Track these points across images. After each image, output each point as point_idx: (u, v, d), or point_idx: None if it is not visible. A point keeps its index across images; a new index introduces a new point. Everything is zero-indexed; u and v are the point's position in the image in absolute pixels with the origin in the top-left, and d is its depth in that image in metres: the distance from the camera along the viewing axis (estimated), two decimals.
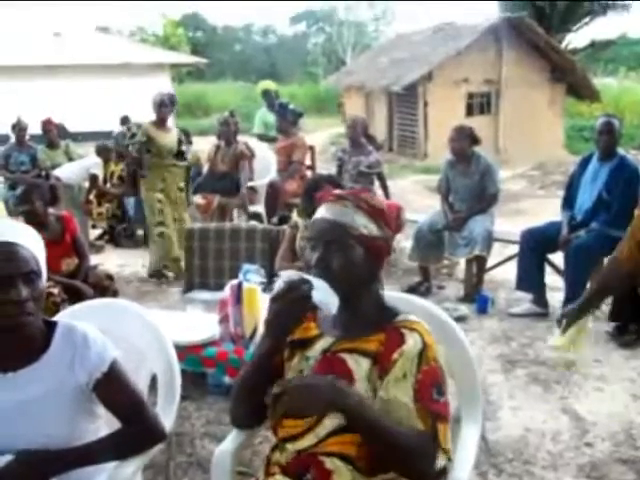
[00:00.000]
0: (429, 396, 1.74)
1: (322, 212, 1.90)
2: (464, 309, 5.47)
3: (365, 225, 1.85)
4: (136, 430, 1.99)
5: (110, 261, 7.13)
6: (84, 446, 1.95)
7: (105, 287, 4.80)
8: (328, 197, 1.93)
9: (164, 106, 6.49)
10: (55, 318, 2.18)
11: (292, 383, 1.69)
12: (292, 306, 1.78)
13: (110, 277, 4.99)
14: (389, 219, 1.92)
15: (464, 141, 5.77)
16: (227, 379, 3.27)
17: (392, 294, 2.08)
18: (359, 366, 1.80)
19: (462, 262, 6.28)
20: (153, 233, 6.56)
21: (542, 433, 3.65)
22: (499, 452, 3.47)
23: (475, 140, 5.83)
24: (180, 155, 6.59)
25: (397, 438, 1.68)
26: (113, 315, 2.41)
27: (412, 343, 1.78)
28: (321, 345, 1.89)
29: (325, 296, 1.76)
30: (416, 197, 11.31)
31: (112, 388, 1.97)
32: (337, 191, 1.99)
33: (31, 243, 1.93)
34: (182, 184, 6.63)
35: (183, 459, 3.44)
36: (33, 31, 19.77)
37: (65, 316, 2.46)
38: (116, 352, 2.00)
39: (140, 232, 8.40)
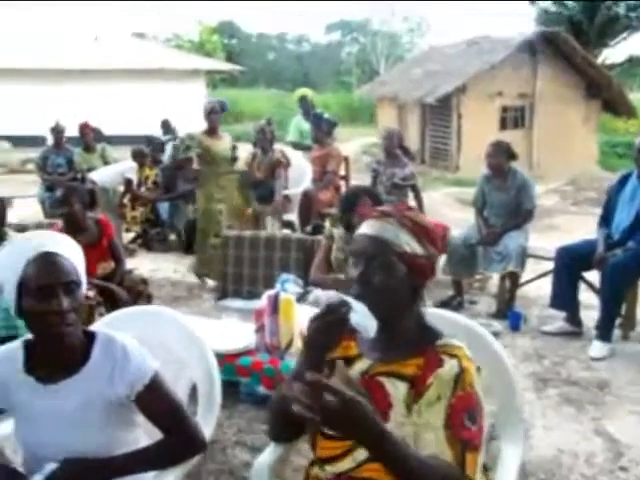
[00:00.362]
0: (460, 422, 1.70)
1: (365, 228, 1.88)
2: (496, 325, 5.42)
3: (408, 243, 1.83)
4: (177, 440, 2.00)
5: (142, 265, 7.17)
6: (126, 455, 1.96)
7: (139, 291, 4.84)
8: (371, 213, 1.92)
9: (214, 113, 6.52)
10: (94, 326, 2.19)
11: (332, 404, 1.63)
12: (330, 328, 1.76)
13: (145, 281, 5.03)
14: (434, 238, 1.89)
15: (501, 156, 5.75)
16: (262, 389, 3.27)
17: (435, 311, 2.07)
18: (396, 390, 1.79)
19: (495, 277, 6.24)
20: (208, 242, 6.56)
21: (575, 454, 3.61)
22: (531, 472, 3.43)
23: (512, 155, 5.81)
24: (234, 161, 6.59)
25: (424, 473, 1.62)
26: (152, 323, 2.42)
27: (448, 367, 1.76)
28: (360, 367, 1.88)
29: (363, 319, 1.74)
30: (448, 210, 11.28)
31: (153, 400, 1.97)
32: (381, 207, 1.98)
33: (71, 253, 1.95)
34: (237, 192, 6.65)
35: (215, 467, 3.44)
36: (73, 35, 20.08)
37: (104, 324, 2.47)
38: (156, 363, 2.01)
39: (172, 237, 8.47)
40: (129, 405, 1.99)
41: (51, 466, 1.86)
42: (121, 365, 1.95)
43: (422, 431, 1.71)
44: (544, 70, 16.54)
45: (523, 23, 62.62)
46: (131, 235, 8.56)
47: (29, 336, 2.02)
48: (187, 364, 2.34)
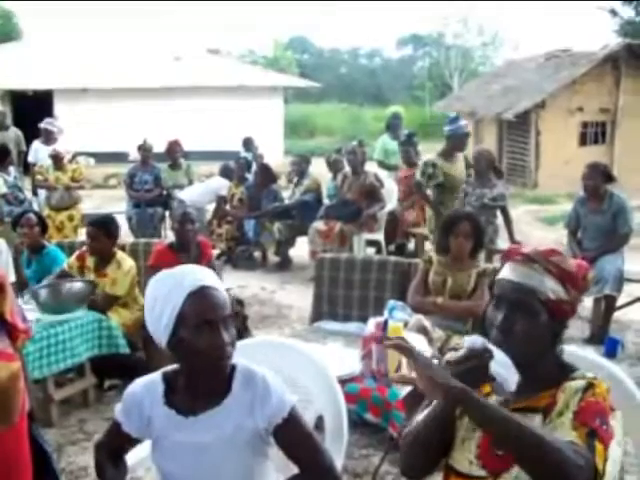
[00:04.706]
0: (589, 417, 1.67)
1: (508, 273, 1.87)
2: (592, 352, 5.29)
3: (553, 289, 1.81)
4: (314, 474, 2.00)
5: (229, 282, 7.28)
6: None
7: (236, 313, 4.91)
8: (515, 256, 1.89)
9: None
10: None
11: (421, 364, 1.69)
12: (470, 373, 1.75)
13: (240, 302, 5.12)
14: (578, 281, 1.86)
15: (598, 178, 5.63)
16: (369, 416, 3.28)
17: (573, 351, 2.03)
18: (531, 424, 1.74)
19: (587, 301, 6.09)
20: None
21: None
22: None
23: (609, 178, 5.69)
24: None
25: (547, 443, 1.57)
26: (277, 353, 2.45)
27: (575, 382, 1.75)
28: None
29: (505, 370, 1.72)
30: (528, 228, 11.07)
31: (291, 433, 1.97)
32: (526, 250, 1.91)
33: (222, 287, 1.98)
34: None
35: None
36: (153, 54, 20.60)
37: None
38: (295, 397, 2.01)
39: (257, 254, 8.57)
40: (266, 438, 2.00)
41: None
42: (262, 398, 1.95)
43: (552, 433, 1.66)
44: (627, 83, 16.11)
45: (601, 35, 61.13)
46: (216, 252, 8.70)
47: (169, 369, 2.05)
48: (313, 395, 2.36)
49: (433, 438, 1.89)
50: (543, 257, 1.85)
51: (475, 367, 1.74)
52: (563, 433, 1.64)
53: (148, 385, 2.05)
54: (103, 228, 4.85)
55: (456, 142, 6.53)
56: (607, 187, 5.72)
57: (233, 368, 2.01)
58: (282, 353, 2.49)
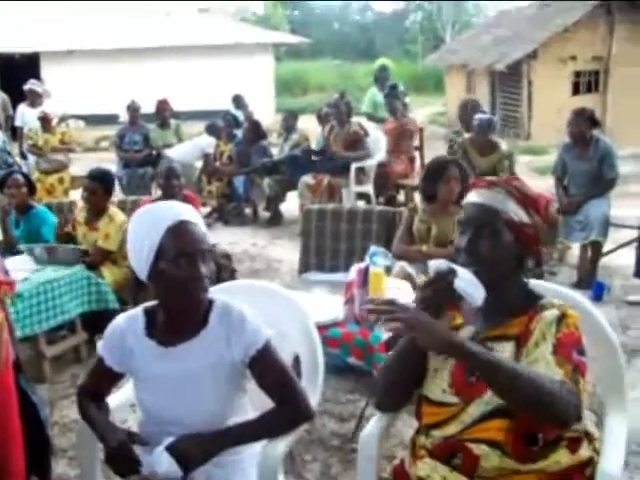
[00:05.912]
0: (569, 352, 1.73)
1: (473, 197, 1.93)
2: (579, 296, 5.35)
3: (515, 212, 1.87)
4: (288, 409, 2.05)
5: (220, 239, 7.30)
6: (240, 425, 2.04)
7: (223, 266, 4.94)
8: (479, 183, 1.96)
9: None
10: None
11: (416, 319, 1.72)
12: (438, 295, 1.81)
13: (228, 256, 5.14)
14: (539, 207, 1.93)
15: (583, 124, 5.61)
16: (352, 359, 3.33)
17: (538, 282, 2.07)
18: (504, 350, 1.82)
19: (574, 247, 6.14)
20: None
21: None
22: None
23: (595, 123, 5.67)
24: None
25: (537, 382, 1.65)
26: (256, 295, 2.49)
27: (550, 313, 1.80)
28: (465, 334, 1.90)
29: (470, 287, 1.77)
30: (523, 178, 11.05)
31: (266, 366, 2.03)
32: (489, 177, 2.02)
33: (201, 222, 2.03)
34: None
35: (304, 436, 3.52)
36: (144, 12, 20.35)
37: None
38: (270, 331, 2.07)
39: (248, 210, 8.58)
40: (242, 371, 2.06)
41: (170, 439, 1.94)
42: (238, 330, 2.01)
43: (533, 366, 1.73)
44: (621, 30, 15.92)
45: None
46: (207, 209, 8.71)
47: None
48: (289, 336, 2.41)
49: (405, 371, 1.95)
50: (505, 182, 1.93)
51: (442, 288, 1.79)
52: (551, 371, 1.70)
53: (129, 319, 2.12)
54: (101, 182, 4.90)
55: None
56: (593, 133, 5.71)
57: (211, 303, 2.07)
58: (259, 294, 2.53)
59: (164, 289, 1.99)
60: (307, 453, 3.43)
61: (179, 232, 1.94)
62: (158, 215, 1.99)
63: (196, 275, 1.94)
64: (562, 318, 1.78)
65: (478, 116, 6.55)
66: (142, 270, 1.98)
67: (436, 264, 1.83)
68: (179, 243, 1.93)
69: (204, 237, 1.99)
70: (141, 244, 1.96)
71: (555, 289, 2.30)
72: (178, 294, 1.97)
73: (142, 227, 1.99)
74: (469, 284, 1.77)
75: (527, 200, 1.90)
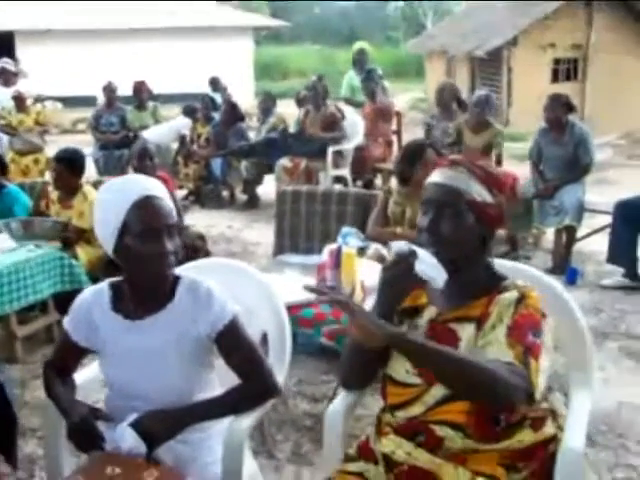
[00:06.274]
0: (524, 333, 1.72)
1: (436, 177, 1.91)
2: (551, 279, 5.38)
3: (478, 192, 1.84)
4: (254, 385, 2.05)
5: (197, 222, 7.27)
6: (206, 401, 2.03)
7: (197, 247, 4.93)
8: (442, 162, 1.95)
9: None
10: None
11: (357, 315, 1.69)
12: (400, 277, 1.81)
13: (202, 238, 5.13)
14: (503, 187, 1.92)
15: (559, 109, 5.65)
16: (324, 340, 3.33)
17: (502, 262, 2.08)
18: (464, 332, 1.82)
19: (549, 232, 6.18)
20: None
21: (636, 407, 3.61)
22: (591, 423, 3.43)
23: (570, 108, 5.71)
24: None
25: (477, 367, 1.65)
26: (225, 274, 2.47)
27: (509, 294, 1.79)
28: (429, 314, 1.91)
29: (431, 269, 1.76)
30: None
31: (233, 341, 2.03)
32: (452, 157, 2.00)
33: (168, 197, 2.01)
34: None
35: (277, 417, 3.53)
36: None
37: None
38: (237, 307, 2.07)
39: (225, 193, 8.54)
40: (209, 346, 2.05)
41: (134, 416, 1.93)
42: (205, 304, 2.01)
43: (486, 348, 1.73)
44: (600, 19, 15.99)
45: None
46: (184, 192, 8.66)
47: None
48: (258, 314, 2.40)
49: (370, 350, 1.94)
50: (468, 162, 1.90)
51: (403, 270, 1.79)
52: (500, 354, 1.69)
53: (95, 293, 2.11)
54: (67, 163, 4.85)
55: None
56: (569, 118, 5.74)
57: (178, 278, 2.06)
58: (229, 272, 2.52)
59: (129, 264, 1.98)
60: (279, 433, 3.43)
61: (145, 207, 1.93)
62: (124, 189, 1.97)
63: (162, 250, 1.93)
64: (521, 299, 1.77)
65: (477, 92, 6.58)
66: (108, 244, 1.97)
67: (397, 246, 1.82)
68: (145, 218, 1.92)
69: (170, 212, 1.97)
70: (107, 218, 1.95)
71: (522, 269, 2.31)
72: (143, 269, 1.96)
73: (108, 201, 1.97)
74: (430, 266, 1.77)
75: (490, 179, 1.88)
